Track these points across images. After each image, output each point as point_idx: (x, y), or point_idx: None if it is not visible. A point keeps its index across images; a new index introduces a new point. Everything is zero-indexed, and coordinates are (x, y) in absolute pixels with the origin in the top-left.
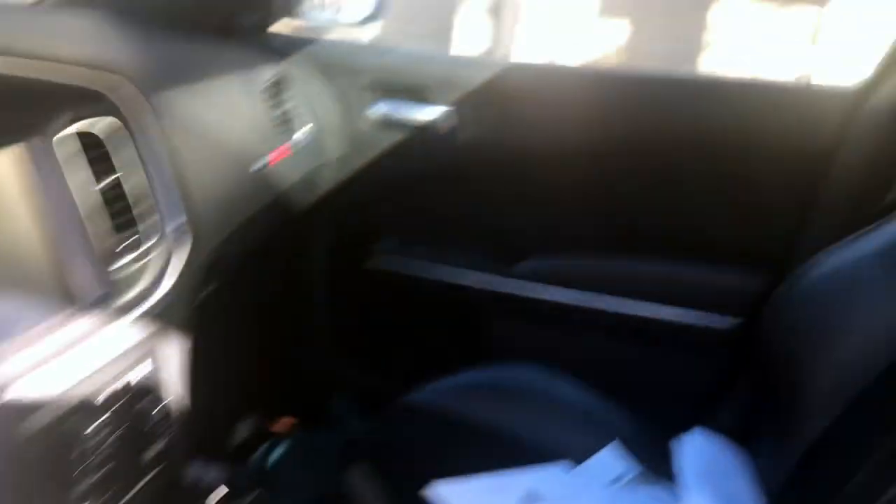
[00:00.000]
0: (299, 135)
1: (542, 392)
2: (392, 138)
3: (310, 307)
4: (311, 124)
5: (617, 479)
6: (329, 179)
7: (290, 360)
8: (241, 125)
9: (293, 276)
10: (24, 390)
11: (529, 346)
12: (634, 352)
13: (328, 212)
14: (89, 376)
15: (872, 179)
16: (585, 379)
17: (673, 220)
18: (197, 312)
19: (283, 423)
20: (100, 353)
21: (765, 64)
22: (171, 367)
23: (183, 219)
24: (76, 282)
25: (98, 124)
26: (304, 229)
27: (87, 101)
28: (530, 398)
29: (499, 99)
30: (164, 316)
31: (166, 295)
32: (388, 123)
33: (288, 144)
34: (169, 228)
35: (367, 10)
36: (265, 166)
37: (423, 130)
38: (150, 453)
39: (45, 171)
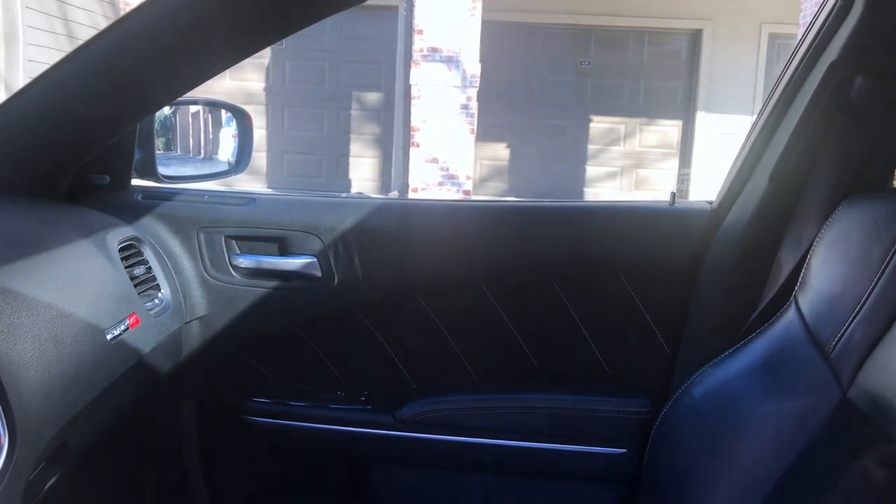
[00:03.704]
0: (158, 297)
1: None
2: (259, 290)
3: (183, 475)
4: (169, 285)
5: None
6: (193, 338)
7: None
8: (94, 292)
9: (161, 445)
10: None
11: (416, 492)
12: (525, 489)
13: (195, 372)
14: None
15: (735, 296)
16: None
17: (552, 351)
18: None
19: None
20: None
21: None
22: None
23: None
24: None
25: None
26: (169, 392)
27: None
28: None
29: (367, 239)
30: None
31: None
32: (254, 275)
33: (146, 308)
34: None
35: (226, 163)
36: (125, 331)
37: (292, 279)
38: None
39: None
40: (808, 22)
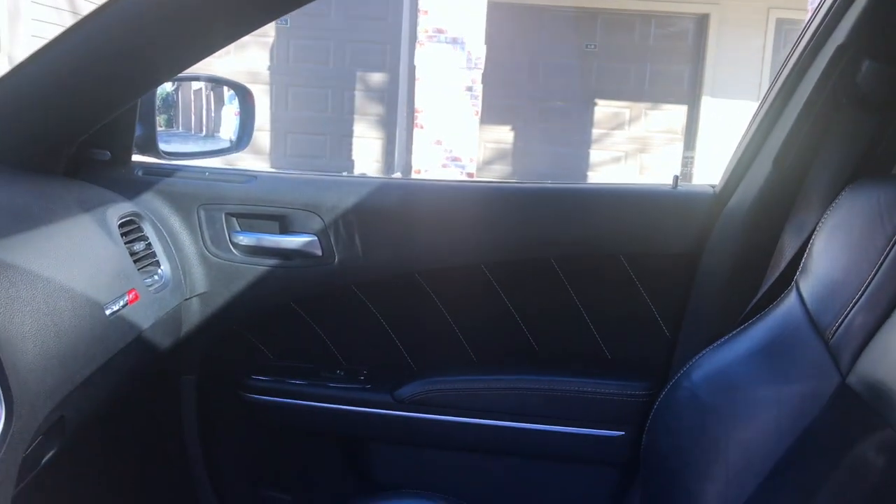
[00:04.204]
0: (158, 273)
1: None
2: (259, 268)
3: (181, 452)
4: (168, 262)
5: None
6: (193, 315)
7: None
8: (93, 267)
9: (159, 421)
10: None
11: (414, 471)
12: (523, 470)
13: (194, 349)
14: None
15: (737, 280)
16: (475, 501)
17: (552, 332)
18: (35, 483)
19: None
20: None
21: None
22: None
23: None
24: None
25: None
26: (167, 369)
27: None
28: None
29: (368, 218)
30: None
31: None
32: (254, 253)
33: (146, 284)
34: None
35: (227, 140)
36: (124, 306)
37: (292, 257)
38: None
39: None
40: (816, 6)
